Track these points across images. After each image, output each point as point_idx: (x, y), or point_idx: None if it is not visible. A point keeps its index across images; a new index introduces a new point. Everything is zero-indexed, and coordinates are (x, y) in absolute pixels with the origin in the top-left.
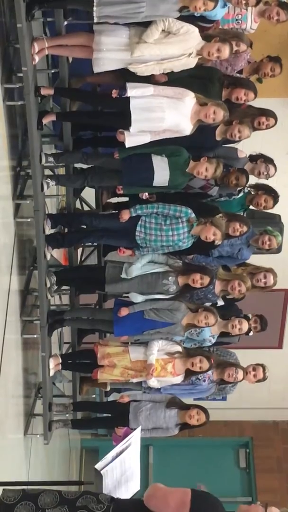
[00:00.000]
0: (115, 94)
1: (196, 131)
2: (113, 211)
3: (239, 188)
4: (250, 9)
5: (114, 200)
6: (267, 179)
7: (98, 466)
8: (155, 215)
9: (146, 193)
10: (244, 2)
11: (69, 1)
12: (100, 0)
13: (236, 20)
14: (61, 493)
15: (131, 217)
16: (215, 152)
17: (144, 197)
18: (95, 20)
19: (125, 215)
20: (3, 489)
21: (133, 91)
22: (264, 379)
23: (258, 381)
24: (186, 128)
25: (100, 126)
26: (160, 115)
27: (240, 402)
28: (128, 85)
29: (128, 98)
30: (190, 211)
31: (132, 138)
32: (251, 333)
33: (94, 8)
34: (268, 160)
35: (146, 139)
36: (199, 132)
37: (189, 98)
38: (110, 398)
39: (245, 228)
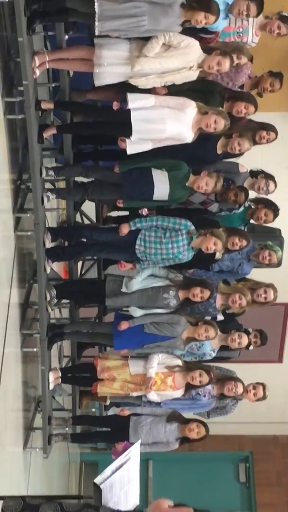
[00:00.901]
0: (116, 107)
1: (197, 144)
2: (113, 225)
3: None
4: (251, 23)
5: (115, 213)
6: (267, 195)
7: (97, 480)
8: (155, 228)
9: (146, 209)
10: (245, 13)
11: (70, 14)
12: (102, 15)
13: (238, 33)
14: (62, 506)
15: (131, 231)
16: (216, 167)
17: (144, 213)
18: (97, 33)
19: (125, 229)
20: (4, 497)
21: (135, 103)
22: (264, 398)
23: (258, 399)
24: (188, 136)
25: (100, 139)
26: (161, 127)
27: (240, 416)
28: (129, 97)
29: (129, 110)
30: (189, 223)
31: (134, 146)
32: (251, 348)
33: (96, 23)
34: (269, 176)
35: (147, 146)
36: (200, 146)
37: (191, 109)
38: (110, 412)
39: (244, 242)
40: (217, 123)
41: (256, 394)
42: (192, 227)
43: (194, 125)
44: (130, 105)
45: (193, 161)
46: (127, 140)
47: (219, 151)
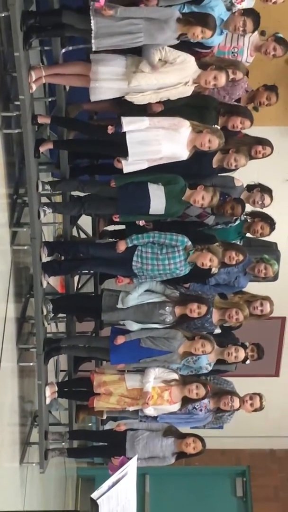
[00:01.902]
0: (111, 131)
1: (193, 159)
2: (110, 239)
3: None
4: (247, 43)
5: (111, 227)
6: (262, 208)
7: (94, 495)
8: (151, 244)
9: (143, 220)
10: (241, 29)
11: (67, 29)
12: (98, 32)
13: (232, 53)
14: None
15: (127, 247)
16: (212, 181)
17: (141, 224)
18: (94, 49)
19: (122, 246)
20: None
21: (129, 126)
22: (261, 408)
23: (255, 410)
24: (183, 155)
25: (97, 154)
26: (157, 148)
27: (237, 431)
28: (124, 120)
29: (124, 132)
30: (186, 239)
31: (130, 166)
32: (248, 362)
33: (93, 41)
34: (265, 190)
35: (143, 166)
36: (196, 160)
37: (185, 129)
38: (107, 427)
39: (241, 257)
40: (211, 142)
41: (253, 405)
42: (189, 243)
43: (189, 143)
44: (125, 128)
45: (189, 175)
46: (123, 161)
47: (214, 166)
